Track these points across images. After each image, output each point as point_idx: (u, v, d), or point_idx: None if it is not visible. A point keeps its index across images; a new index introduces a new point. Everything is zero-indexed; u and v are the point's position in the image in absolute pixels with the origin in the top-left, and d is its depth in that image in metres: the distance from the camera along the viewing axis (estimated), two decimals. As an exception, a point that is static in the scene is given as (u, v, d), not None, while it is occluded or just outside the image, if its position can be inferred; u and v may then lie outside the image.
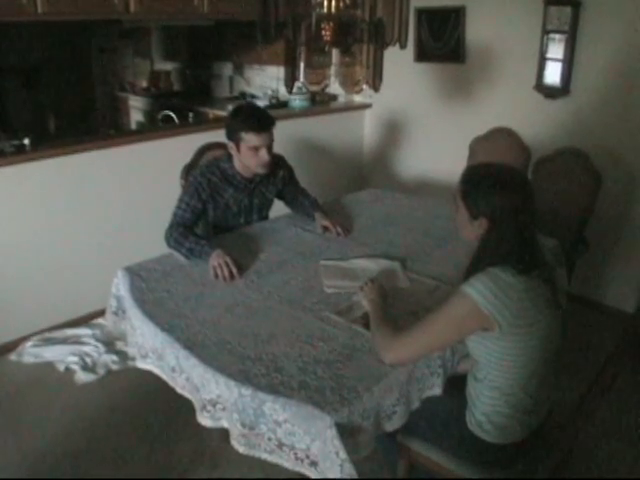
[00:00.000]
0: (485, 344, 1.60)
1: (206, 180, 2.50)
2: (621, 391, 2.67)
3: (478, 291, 1.52)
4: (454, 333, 1.61)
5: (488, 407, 1.67)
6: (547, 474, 1.72)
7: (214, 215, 2.59)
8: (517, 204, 1.55)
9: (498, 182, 1.58)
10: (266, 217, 2.82)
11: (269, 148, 2.45)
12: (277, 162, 2.69)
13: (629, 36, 3.12)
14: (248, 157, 2.45)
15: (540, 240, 1.65)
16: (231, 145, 2.48)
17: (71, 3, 3.00)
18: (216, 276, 2.14)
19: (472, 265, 1.62)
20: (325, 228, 2.60)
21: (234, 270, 2.15)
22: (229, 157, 2.55)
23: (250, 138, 2.40)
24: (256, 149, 2.42)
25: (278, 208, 2.89)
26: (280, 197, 2.83)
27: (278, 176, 2.73)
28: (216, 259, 2.17)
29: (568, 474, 1.91)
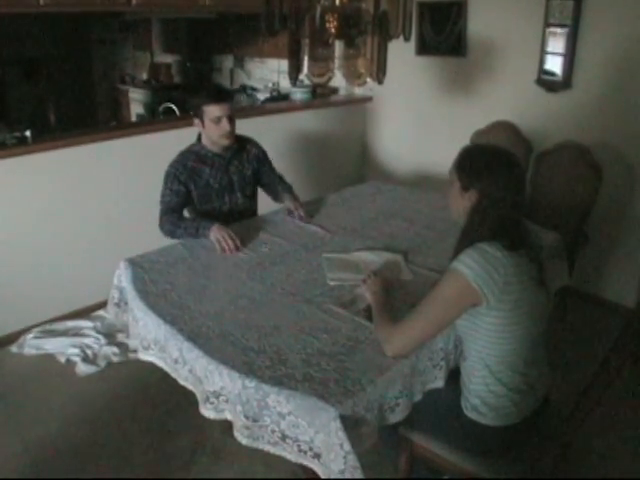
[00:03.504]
0: (472, 320, 1.62)
1: (182, 166, 2.60)
2: (621, 386, 2.68)
3: (467, 265, 1.56)
4: (448, 313, 1.62)
5: (480, 387, 1.68)
6: (547, 468, 1.73)
7: (198, 195, 2.64)
8: (507, 182, 1.62)
9: (493, 158, 1.66)
10: (253, 197, 2.85)
11: (230, 119, 2.55)
12: (248, 141, 2.80)
13: (631, 30, 3.11)
14: (212, 129, 2.56)
15: (534, 229, 1.67)
16: (197, 122, 2.59)
17: (73, -5, 2.99)
18: (222, 250, 2.16)
19: (460, 239, 1.67)
20: (290, 211, 2.68)
21: (237, 242, 2.17)
22: (199, 138, 2.67)
23: (212, 109, 2.52)
24: (218, 120, 2.53)
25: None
26: (257, 180, 2.87)
27: (251, 153, 2.80)
28: (218, 232, 2.21)
29: (568, 468, 1.92)
